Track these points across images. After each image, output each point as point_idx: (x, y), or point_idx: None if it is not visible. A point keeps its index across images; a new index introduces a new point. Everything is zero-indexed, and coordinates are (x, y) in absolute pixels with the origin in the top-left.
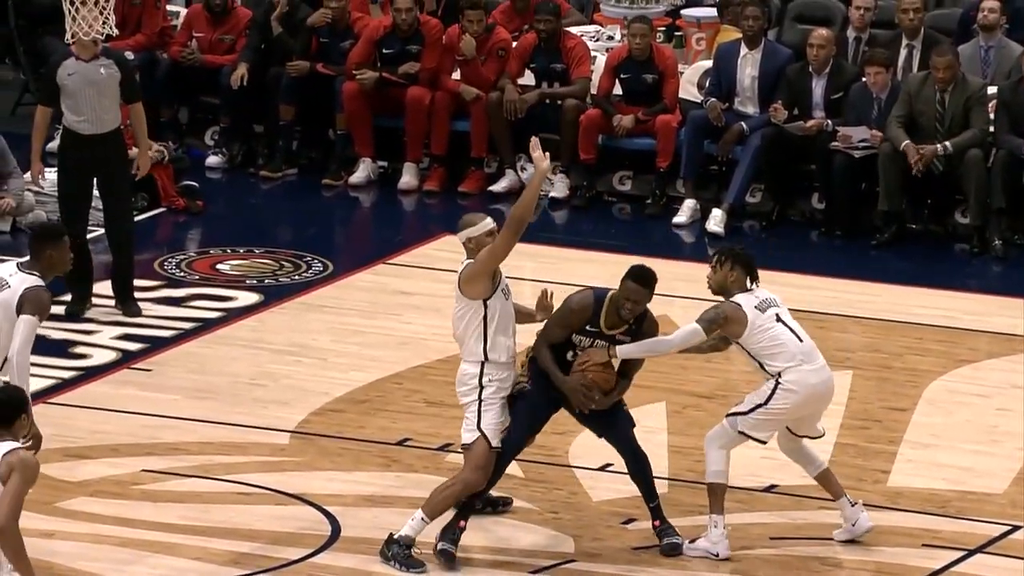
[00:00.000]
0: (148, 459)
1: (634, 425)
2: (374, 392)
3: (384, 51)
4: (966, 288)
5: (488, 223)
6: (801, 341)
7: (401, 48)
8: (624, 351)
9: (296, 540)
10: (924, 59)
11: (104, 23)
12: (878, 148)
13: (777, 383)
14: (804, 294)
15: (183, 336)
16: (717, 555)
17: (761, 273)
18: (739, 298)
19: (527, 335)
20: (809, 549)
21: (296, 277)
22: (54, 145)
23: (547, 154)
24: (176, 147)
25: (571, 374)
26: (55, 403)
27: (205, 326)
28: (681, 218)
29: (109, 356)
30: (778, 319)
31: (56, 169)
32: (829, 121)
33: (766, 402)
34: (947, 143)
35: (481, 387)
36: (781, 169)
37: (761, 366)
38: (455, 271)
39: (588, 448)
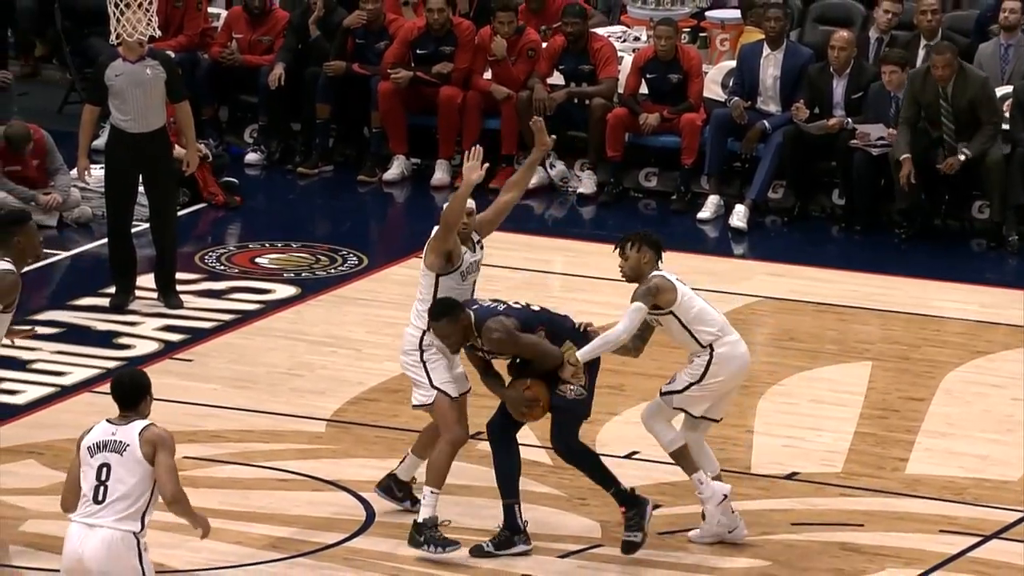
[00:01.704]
0: (190, 446)
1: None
2: (407, 382)
3: (418, 51)
4: (982, 282)
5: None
6: (718, 313)
7: (435, 49)
8: (583, 354)
9: (332, 525)
10: None
11: (148, 24)
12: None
13: (711, 356)
14: (825, 287)
15: (223, 327)
16: (725, 496)
17: (783, 267)
18: (658, 273)
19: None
20: (829, 535)
21: (332, 270)
22: (100, 142)
23: (485, 166)
24: (216, 144)
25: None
26: (100, 392)
27: (244, 318)
28: (705, 214)
29: (152, 347)
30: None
31: (103, 166)
32: (849, 119)
33: (701, 378)
34: (965, 150)
35: (422, 351)
36: (802, 166)
37: (692, 335)
38: (487, 264)
39: (615, 436)
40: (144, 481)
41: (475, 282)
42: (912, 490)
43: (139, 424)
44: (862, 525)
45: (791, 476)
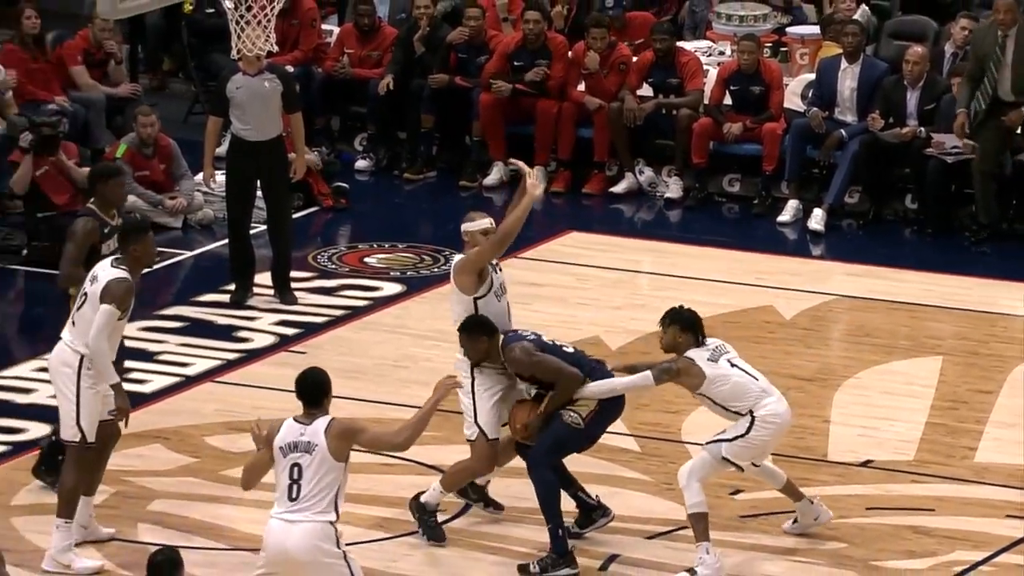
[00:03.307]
0: None
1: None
2: None
3: (515, 64)
4: None
5: (485, 222)
6: (757, 379)
7: (531, 61)
8: (588, 389)
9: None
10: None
11: (266, 41)
12: (971, 156)
13: (753, 418)
14: (898, 287)
15: (334, 322)
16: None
17: (859, 267)
18: (691, 353)
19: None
20: (902, 519)
21: (435, 269)
22: (222, 150)
23: (542, 184)
24: (328, 152)
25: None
26: (221, 382)
27: (354, 313)
28: (785, 217)
29: (268, 340)
30: (732, 364)
31: (224, 172)
32: (922, 129)
33: (746, 433)
34: None
35: (473, 378)
36: (877, 172)
37: (726, 409)
38: (580, 264)
39: (699, 425)
40: (333, 474)
41: (508, 304)
42: (980, 477)
43: (323, 422)
44: (933, 510)
45: (866, 464)
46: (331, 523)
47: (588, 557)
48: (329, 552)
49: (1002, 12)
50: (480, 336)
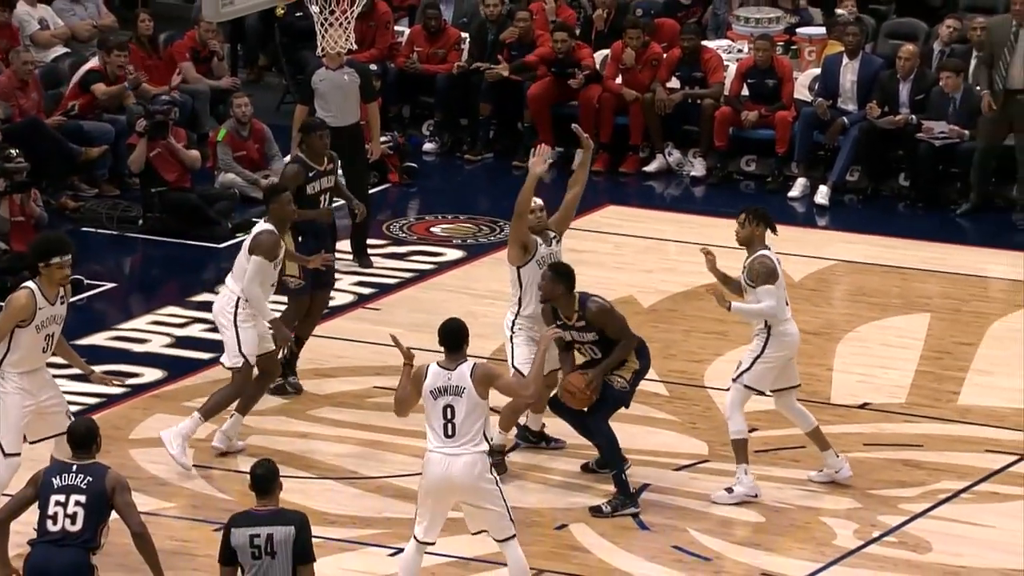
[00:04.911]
0: (378, 378)
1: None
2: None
3: (552, 70)
4: (1022, 248)
5: (535, 202)
6: (786, 302)
7: (561, 69)
8: (737, 307)
9: None
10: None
11: (347, 40)
12: (956, 140)
13: (769, 334)
14: (892, 253)
15: (405, 283)
16: (756, 496)
17: (858, 236)
18: (767, 253)
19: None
20: (894, 454)
21: (492, 238)
22: None
23: (549, 161)
24: (400, 136)
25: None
26: (315, 336)
27: (422, 275)
28: (794, 192)
29: (348, 298)
30: None
31: None
32: (914, 116)
33: (762, 352)
34: None
35: (512, 332)
36: (874, 154)
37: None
38: (616, 233)
39: (718, 372)
40: (480, 411)
41: None
42: (963, 417)
43: (467, 366)
44: (921, 446)
45: (863, 406)
46: (485, 453)
47: None
48: (485, 477)
49: (1019, 4)
50: (560, 284)
